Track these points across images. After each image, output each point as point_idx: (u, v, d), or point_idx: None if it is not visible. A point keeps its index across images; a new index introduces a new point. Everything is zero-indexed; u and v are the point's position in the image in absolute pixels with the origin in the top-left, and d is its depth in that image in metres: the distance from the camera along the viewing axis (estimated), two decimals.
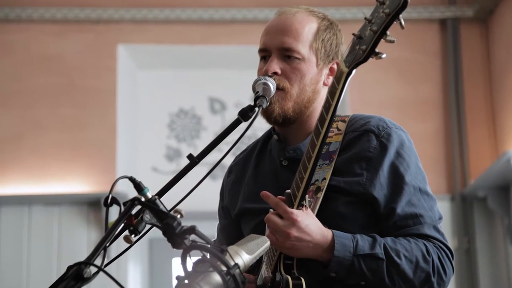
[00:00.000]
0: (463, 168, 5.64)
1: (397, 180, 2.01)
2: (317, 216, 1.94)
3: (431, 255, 1.96)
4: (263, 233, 1.85)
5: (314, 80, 2.10)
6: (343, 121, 2.12)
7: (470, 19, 5.85)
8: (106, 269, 1.51)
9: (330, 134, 2.05)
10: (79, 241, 5.41)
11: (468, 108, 5.74)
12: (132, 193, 1.62)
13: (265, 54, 2.12)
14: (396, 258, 1.92)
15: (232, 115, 6.00)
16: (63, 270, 1.46)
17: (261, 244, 1.60)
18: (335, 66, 2.13)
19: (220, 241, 2.28)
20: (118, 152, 5.59)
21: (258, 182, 2.20)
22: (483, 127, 5.72)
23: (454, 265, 2.03)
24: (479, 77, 5.80)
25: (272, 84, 2.02)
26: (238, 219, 2.23)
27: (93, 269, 1.47)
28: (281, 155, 2.15)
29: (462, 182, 5.62)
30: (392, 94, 5.74)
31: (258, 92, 2.00)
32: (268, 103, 2.00)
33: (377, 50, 1.74)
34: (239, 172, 2.29)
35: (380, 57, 1.75)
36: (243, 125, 1.99)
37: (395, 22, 1.70)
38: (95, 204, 5.43)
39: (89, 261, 1.43)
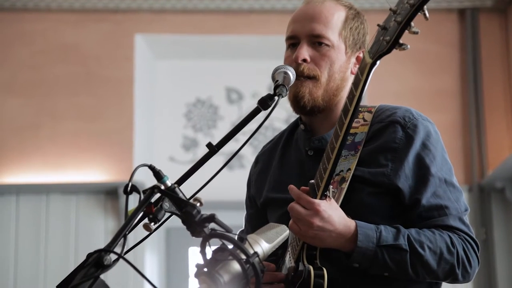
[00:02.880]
0: (481, 159, 5.61)
1: (422, 171, 2.00)
2: (341, 206, 1.94)
3: (456, 246, 1.95)
4: (288, 223, 1.85)
5: (343, 68, 2.11)
6: (369, 111, 2.11)
7: (489, 9, 5.81)
8: (125, 257, 1.51)
9: (356, 125, 2.05)
10: (96, 230, 5.44)
11: (486, 98, 5.70)
12: (150, 181, 1.62)
13: (293, 42, 2.12)
14: (420, 250, 1.91)
15: (249, 105, 5.99)
16: (80, 258, 1.46)
17: (280, 233, 1.60)
18: (361, 55, 2.13)
19: (247, 231, 2.28)
20: (135, 141, 5.60)
21: (283, 171, 2.21)
22: (501, 118, 5.68)
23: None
24: (497, 68, 5.76)
25: (291, 73, 2.02)
26: (264, 208, 2.24)
27: (113, 257, 1.47)
28: (307, 145, 2.15)
29: (480, 173, 5.60)
30: (410, 85, 5.71)
31: (277, 81, 1.99)
32: (287, 92, 2.00)
33: (401, 41, 1.74)
34: (265, 162, 2.29)
35: (404, 49, 1.75)
36: (261, 115, 1.99)
37: (419, 14, 1.70)
38: (112, 193, 5.45)
39: (109, 249, 1.43)
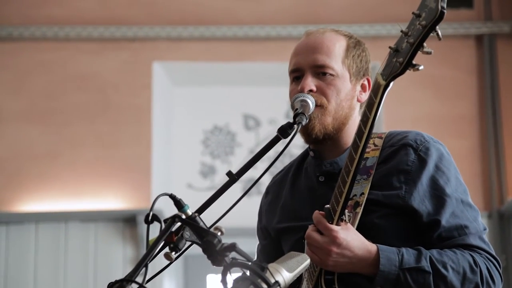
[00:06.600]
0: (500, 185, 5.58)
1: (438, 193, 2.01)
2: (357, 230, 1.94)
3: (479, 265, 1.95)
4: (302, 250, 1.85)
5: (349, 96, 2.12)
6: (380, 137, 2.13)
7: (506, 35, 5.80)
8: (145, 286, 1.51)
9: (367, 150, 2.05)
10: (115, 257, 5.44)
11: (504, 124, 5.68)
12: (169, 209, 1.62)
13: (297, 75, 2.14)
14: (443, 270, 1.91)
15: (266, 131, 6.00)
16: (99, 286, 1.46)
17: (302, 262, 1.59)
18: (366, 83, 2.15)
19: (260, 262, 2.27)
20: (153, 168, 5.62)
21: (295, 200, 2.21)
22: None
23: None
24: None
25: (311, 101, 2.03)
26: (277, 238, 2.24)
27: (133, 286, 1.47)
28: (318, 171, 2.16)
29: (499, 199, 5.56)
30: (428, 111, 5.71)
31: (297, 109, 2.01)
32: (307, 120, 2.00)
33: (414, 62, 1.74)
34: (275, 192, 2.30)
35: (418, 69, 1.75)
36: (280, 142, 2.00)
37: (432, 34, 1.71)
38: (130, 221, 5.46)
39: (130, 278, 1.43)
